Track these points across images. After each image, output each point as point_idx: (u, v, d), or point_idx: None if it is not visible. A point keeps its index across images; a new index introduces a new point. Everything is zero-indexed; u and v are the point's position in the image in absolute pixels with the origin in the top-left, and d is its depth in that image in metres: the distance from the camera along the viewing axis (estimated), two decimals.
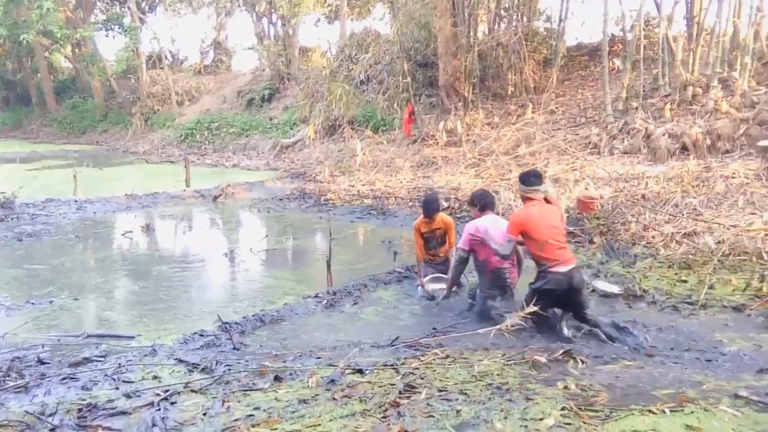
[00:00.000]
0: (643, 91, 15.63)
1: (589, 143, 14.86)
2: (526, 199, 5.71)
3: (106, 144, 31.79)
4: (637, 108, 15.13)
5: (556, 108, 17.67)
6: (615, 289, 6.71)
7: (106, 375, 4.72)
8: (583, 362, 4.47)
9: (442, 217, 7.23)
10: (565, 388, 3.94)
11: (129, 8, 33.14)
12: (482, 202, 6.44)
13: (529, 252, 5.74)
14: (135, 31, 32.25)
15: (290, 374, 4.69)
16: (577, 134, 15.64)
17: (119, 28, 33.92)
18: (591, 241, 8.93)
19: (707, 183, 10.47)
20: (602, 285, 6.84)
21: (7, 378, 4.66)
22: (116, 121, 34.17)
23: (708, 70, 14.77)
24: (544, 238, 5.43)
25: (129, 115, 33.07)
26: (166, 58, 35.76)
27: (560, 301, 5.50)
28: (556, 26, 20.24)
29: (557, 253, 5.41)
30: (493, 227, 6.07)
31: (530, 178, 5.70)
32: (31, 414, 3.91)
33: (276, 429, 3.60)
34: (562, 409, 3.59)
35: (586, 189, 11.47)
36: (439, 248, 7.20)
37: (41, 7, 28.23)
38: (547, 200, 5.65)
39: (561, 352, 4.63)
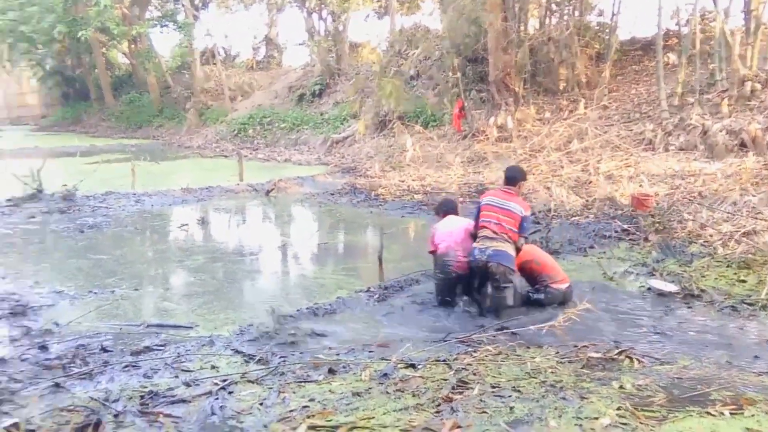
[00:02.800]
0: (700, 87, 15.28)
1: (644, 139, 14.59)
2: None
3: (162, 138, 32.43)
4: (693, 103, 14.80)
5: (609, 103, 17.39)
6: (671, 287, 6.60)
7: (166, 364, 4.86)
8: (639, 362, 4.43)
9: None
10: (621, 387, 3.92)
11: (183, 4, 33.70)
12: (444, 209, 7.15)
13: None
14: (189, 27, 32.79)
15: (343, 367, 4.75)
16: (631, 130, 15.37)
17: (173, 24, 34.65)
18: (646, 239, 8.78)
19: (767, 181, 10.19)
20: (658, 284, 6.73)
21: (72, 365, 4.84)
22: (171, 116, 34.83)
23: (767, 65, 14.34)
24: None
25: (183, 110, 33.66)
26: (219, 54, 36.26)
27: None
28: (608, 20, 19.89)
29: None
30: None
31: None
32: (95, 400, 4.05)
33: (331, 420, 3.66)
34: (618, 408, 3.56)
35: (640, 186, 11.28)
36: None
37: (99, 4, 28.94)
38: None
39: (616, 351, 4.60)
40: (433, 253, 6.73)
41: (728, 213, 8.94)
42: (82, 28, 30.35)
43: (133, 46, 36.82)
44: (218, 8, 36.86)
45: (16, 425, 3.57)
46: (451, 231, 6.67)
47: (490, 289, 6.22)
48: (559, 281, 6.40)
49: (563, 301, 6.37)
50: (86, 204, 12.85)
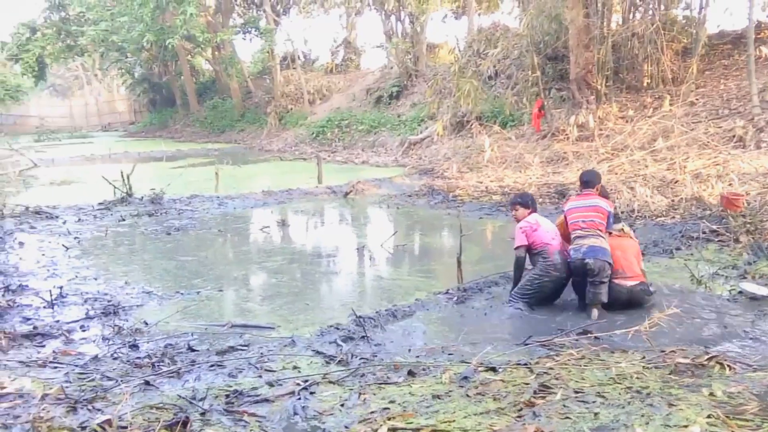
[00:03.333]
0: None
1: (734, 136, 13.98)
2: None
3: (243, 142, 33.21)
4: None
5: (696, 100, 16.74)
6: (764, 291, 6.31)
7: (249, 363, 4.98)
8: (730, 368, 4.25)
9: None
10: (711, 394, 3.77)
11: (264, 11, 34.46)
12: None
13: None
14: (270, 33, 33.50)
15: (423, 370, 4.76)
16: (720, 127, 14.75)
17: (255, 30, 35.50)
18: (737, 240, 8.43)
19: None
20: (750, 287, 6.44)
21: (161, 363, 5.02)
22: (252, 121, 35.64)
23: None
24: None
25: (264, 115, 34.37)
26: (299, 58, 36.87)
27: None
28: (696, 14, 19.14)
29: None
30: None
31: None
32: (183, 398, 4.18)
33: (411, 423, 3.67)
34: (708, 416, 3.43)
35: (730, 185, 10.83)
36: None
37: (185, 13, 29.90)
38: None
39: (706, 357, 4.43)
40: (527, 249, 6.57)
41: None
42: (169, 36, 31.42)
43: (216, 52, 37.90)
44: (299, 14, 37.47)
45: (108, 422, 3.72)
46: (554, 230, 6.66)
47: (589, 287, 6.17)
48: (628, 277, 6.22)
49: (629, 299, 6.21)
50: (173, 207, 13.30)
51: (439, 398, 4.06)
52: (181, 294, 7.35)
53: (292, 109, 33.32)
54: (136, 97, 49.59)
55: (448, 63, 26.30)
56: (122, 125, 51.45)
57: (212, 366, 4.93)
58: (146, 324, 6.17)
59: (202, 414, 3.95)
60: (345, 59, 38.12)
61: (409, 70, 28.65)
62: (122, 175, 14.04)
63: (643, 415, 3.50)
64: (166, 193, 14.02)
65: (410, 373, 4.66)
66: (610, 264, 6.13)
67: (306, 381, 4.48)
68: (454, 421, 3.65)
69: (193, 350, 5.37)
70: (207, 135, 37.14)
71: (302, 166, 21.77)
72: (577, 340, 5.26)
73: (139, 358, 5.18)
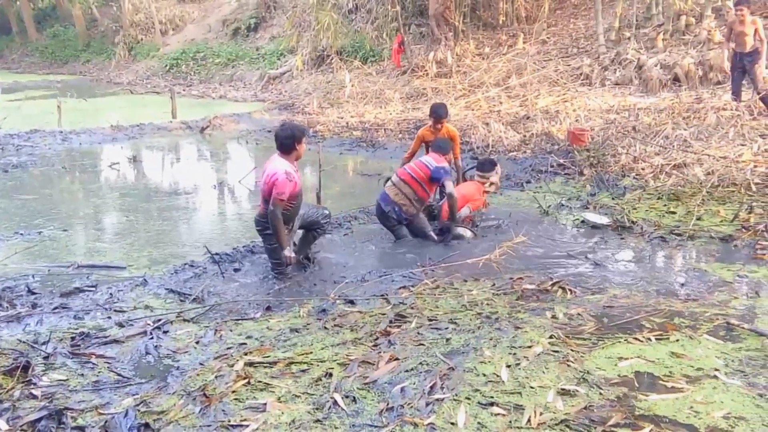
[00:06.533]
0: (636, 21, 15.41)
1: (581, 74, 14.71)
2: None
3: (89, 74, 31.20)
4: (629, 38, 14.94)
5: (548, 38, 17.41)
6: (604, 220, 6.74)
7: (97, 305, 4.75)
8: (571, 292, 4.52)
9: (448, 128, 7.28)
10: (554, 317, 4.00)
11: None
12: None
13: None
14: None
15: (281, 304, 4.73)
16: (569, 65, 15.45)
17: None
18: (581, 173, 8.92)
19: (698, 114, 10.42)
20: (591, 216, 6.86)
21: None
22: (99, 51, 33.46)
23: None
24: None
25: (112, 45, 32.39)
26: None
27: None
28: None
29: None
30: None
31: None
32: (24, 342, 3.93)
33: (268, 356, 3.64)
34: (550, 337, 3.64)
35: (576, 121, 11.40)
36: None
37: None
38: None
39: (550, 282, 4.68)
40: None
41: (660, 146, 9.13)
42: None
43: None
44: None
45: None
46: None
47: None
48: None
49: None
50: (9, 143, 12.31)
51: (297, 332, 4.05)
52: (21, 234, 6.86)
53: (142, 39, 31.51)
54: None
55: None
56: None
57: (56, 308, 4.66)
58: None
59: (45, 358, 3.73)
60: None
61: (267, 1, 27.71)
62: None
63: (491, 339, 3.65)
64: (2, 127, 12.91)
65: (268, 309, 4.62)
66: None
67: (159, 320, 4.33)
68: (311, 353, 3.66)
69: (34, 293, 5.04)
70: (48, 66, 34.57)
71: (155, 100, 20.76)
72: (433, 270, 5.40)
73: None
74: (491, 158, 7.76)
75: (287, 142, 5.33)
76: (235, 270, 5.71)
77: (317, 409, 2.99)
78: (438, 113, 7.17)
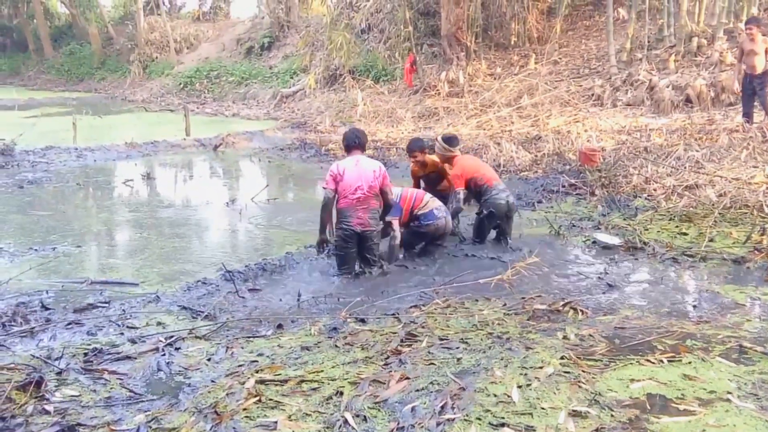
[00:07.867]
0: (648, 42, 15.46)
1: (593, 95, 14.74)
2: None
3: (105, 92, 31.50)
4: (641, 59, 14.97)
5: (560, 59, 17.47)
6: (615, 240, 6.73)
7: (110, 321, 4.77)
8: (583, 313, 4.51)
9: (427, 158, 7.30)
10: (565, 338, 3.99)
11: None
12: (346, 143, 6.25)
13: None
14: None
15: (293, 322, 4.74)
16: (581, 86, 15.49)
17: None
18: (592, 194, 8.92)
19: (710, 136, 10.41)
20: (603, 237, 6.86)
21: (12, 323, 4.71)
22: (114, 69, 33.80)
23: (714, 20, 14.57)
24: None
25: (127, 63, 32.72)
26: (163, 3, 35.25)
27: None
28: None
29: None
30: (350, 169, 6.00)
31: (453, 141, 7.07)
32: (37, 358, 3.95)
33: (279, 374, 3.65)
34: (562, 358, 3.63)
35: (588, 141, 11.41)
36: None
37: None
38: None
39: (561, 302, 4.67)
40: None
41: (672, 167, 9.12)
42: None
43: None
44: None
45: None
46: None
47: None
48: None
49: None
50: (25, 159, 12.45)
51: (308, 349, 4.06)
52: (36, 250, 6.92)
53: (157, 57, 31.83)
54: None
55: (321, 15, 25.88)
56: None
57: (69, 324, 4.69)
58: None
59: (58, 374, 3.75)
60: (213, 7, 36.76)
61: (281, 20, 27.99)
62: None
63: (502, 359, 3.65)
64: (18, 144, 13.05)
65: (279, 326, 4.64)
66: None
67: (171, 337, 4.35)
68: (322, 371, 3.66)
69: (48, 308, 5.08)
70: (64, 83, 34.92)
71: (169, 117, 20.91)
72: (444, 289, 5.41)
73: None
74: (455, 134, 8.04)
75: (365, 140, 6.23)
76: (250, 290, 5.73)
77: (328, 428, 3.00)
78: (408, 148, 7.38)
